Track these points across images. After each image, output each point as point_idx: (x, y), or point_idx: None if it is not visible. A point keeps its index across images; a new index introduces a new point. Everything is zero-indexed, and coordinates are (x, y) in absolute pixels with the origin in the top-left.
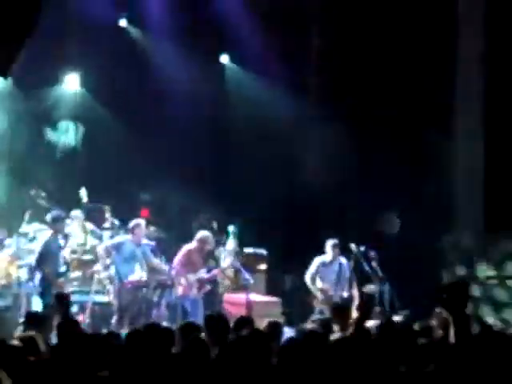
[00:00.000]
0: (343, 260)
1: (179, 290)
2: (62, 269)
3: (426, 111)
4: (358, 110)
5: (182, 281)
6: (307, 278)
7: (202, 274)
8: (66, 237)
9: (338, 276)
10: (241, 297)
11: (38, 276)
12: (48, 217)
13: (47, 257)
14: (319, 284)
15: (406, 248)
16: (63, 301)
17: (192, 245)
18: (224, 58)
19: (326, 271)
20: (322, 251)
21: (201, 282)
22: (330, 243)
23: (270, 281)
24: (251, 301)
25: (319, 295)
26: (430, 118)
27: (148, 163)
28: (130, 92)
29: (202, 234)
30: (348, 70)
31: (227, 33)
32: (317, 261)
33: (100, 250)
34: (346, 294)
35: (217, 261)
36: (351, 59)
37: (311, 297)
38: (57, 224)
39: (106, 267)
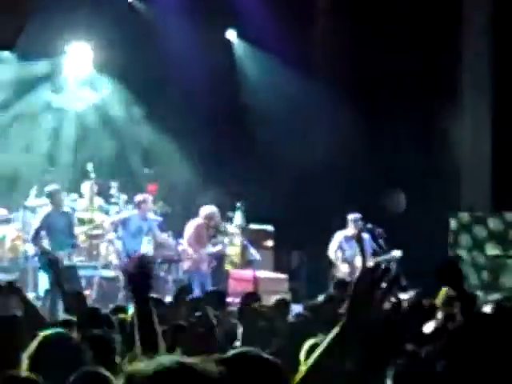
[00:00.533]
0: (365, 235)
1: (186, 265)
2: (68, 242)
3: (435, 92)
4: (368, 89)
5: (195, 255)
6: (331, 252)
7: (211, 248)
8: (73, 210)
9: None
10: (247, 273)
11: (38, 250)
12: (45, 192)
13: (47, 231)
14: (340, 257)
15: (412, 226)
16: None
17: (198, 220)
18: (230, 34)
19: (349, 245)
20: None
21: (210, 257)
22: (351, 217)
23: (277, 257)
24: (258, 277)
25: (345, 268)
26: (438, 99)
27: (154, 138)
28: (137, 66)
29: (208, 209)
30: (357, 46)
31: (235, 7)
32: (339, 235)
33: (106, 224)
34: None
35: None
36: (359, 36)
37: (335, 270)
38: (54, 198)
39: (113, 242)
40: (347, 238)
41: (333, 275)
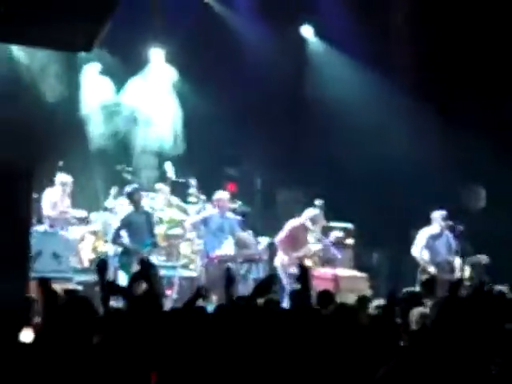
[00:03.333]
0: (448, 232)
1: (277, 261)
2: (148, 241)
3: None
4: (443, 87)
5: (285, 259)
6: (415, 251)
7: (305, 250)
8: (152, 209)
9: (448, 249)
10: (328, 272)
11: (118, 250)
12: (124, 191)
13: (128, 230)
14: (427, 256)
15: (492, 223)
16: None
17: (298, 221)
18: (306, 30)
19: (436, 244)
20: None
21: (300, 260)
22: (437, 214)
23: (356, 255)
24: (338, 275)
25: (432, 268)
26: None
27: (233, 137)
28: (214, 66)
29: (312, 212)
30: (432, 47)
31: (311, 4)
32: (425, 233)
33: (188, 224)
34: (457, 266)
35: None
36: (434, 37)
37: (423, 270)
38: (132, 197)
39: (194, 241)
40: (433, 236)
41: (422, 273)
